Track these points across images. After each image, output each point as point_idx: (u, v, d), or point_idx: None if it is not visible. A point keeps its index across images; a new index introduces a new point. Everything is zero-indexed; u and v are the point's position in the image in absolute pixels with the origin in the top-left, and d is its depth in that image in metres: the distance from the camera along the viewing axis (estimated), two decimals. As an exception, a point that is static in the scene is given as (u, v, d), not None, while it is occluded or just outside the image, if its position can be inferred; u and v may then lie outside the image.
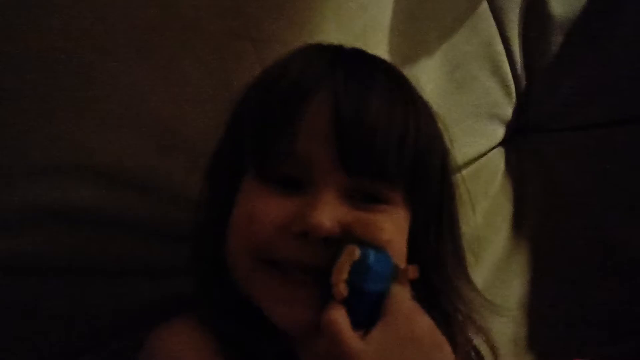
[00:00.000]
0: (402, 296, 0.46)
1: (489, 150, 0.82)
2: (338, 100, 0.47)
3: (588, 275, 0.83)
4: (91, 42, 0.56)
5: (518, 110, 0.83)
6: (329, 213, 0.46)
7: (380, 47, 0.69)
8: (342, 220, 0.47)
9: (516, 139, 0.85)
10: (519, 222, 0.83)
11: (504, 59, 0.80)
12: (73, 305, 0.58)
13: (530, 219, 0.83)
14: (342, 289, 0.45)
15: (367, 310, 0.46)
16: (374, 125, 0.47)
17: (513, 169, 0.84)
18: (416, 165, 0.50)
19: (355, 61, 0.52)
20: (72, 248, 0.57)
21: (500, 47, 0.79)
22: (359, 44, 0.65)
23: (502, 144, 0.84)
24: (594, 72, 0.83)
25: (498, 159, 0.83)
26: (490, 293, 0.78)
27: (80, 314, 0.58)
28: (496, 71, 0.79)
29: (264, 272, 0.48)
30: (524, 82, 0.82)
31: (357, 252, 0.46)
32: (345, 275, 0.46)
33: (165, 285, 0.58)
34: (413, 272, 0.47)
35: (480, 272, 0.79)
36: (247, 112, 0.51)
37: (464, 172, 0.79)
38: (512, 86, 0.81)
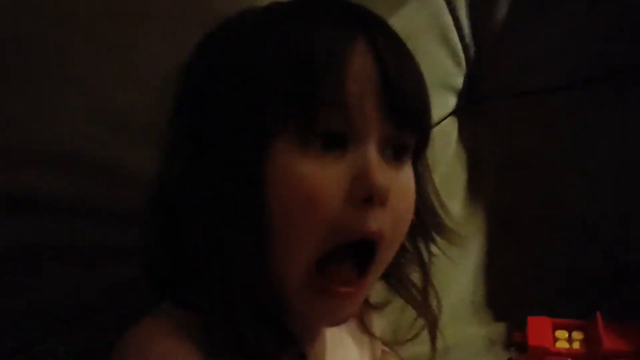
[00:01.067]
0: None
1: (442, 120, 0.84)
2: (378, 49, 0.44)
3: (541, 236, 0.86)
4: (42, 30, 0.56)
5: (469, 79, 0.85)
6: (385, 173, 0.44)
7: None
8: (389, 182, 0.44)
9: (468, 107, 0.87)
10: (474, 187, 0.85)
11: (453, 29, 0.81)
12: (29, 294, 0.58)
13: (485, 183, 0.86)
14: None
15: None
16: (416, 77, 0.47)
17: (466, 136, 0.86)
18: (430, 120, 0.50)
19: (372, 16, 0.48)
20: (28, 235, 0.57)
21: (448, 18, 0.81)
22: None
23: (454, 112, 0.86)
24: (540, 38, 0.85)
25: (451, 127, 0.86)
26: (447, 255, 0.82)
27: (36, 304, 0.58)
28: (445, 42, 0.81)
29: (316, 286, 0.44)
30: (473, 52, 0.84)
31: None
32: None
33: (126, 270, 0.59)
34: None
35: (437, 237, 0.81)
36: (273, 67, 0.43)
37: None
38: (462, 56, 0.83)
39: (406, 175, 0.47)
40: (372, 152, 0.44)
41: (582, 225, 0.87)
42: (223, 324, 0.43)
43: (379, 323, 0.61)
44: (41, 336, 0.59)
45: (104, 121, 0.58)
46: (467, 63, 0.84)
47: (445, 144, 0.85)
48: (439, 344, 0.78)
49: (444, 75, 0.82)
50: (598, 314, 0.73)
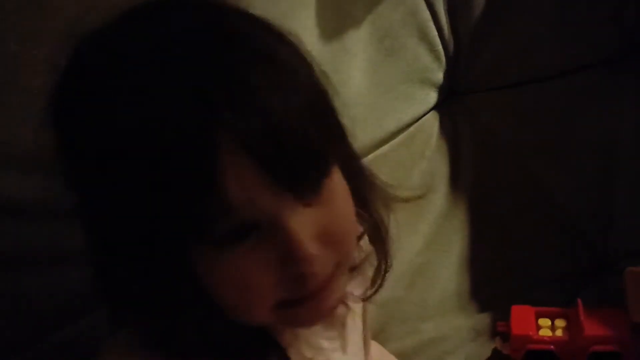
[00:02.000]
0: None
1: (423, 115, 0.85)
2: (247, 134, 0.40)
3: (523, 227, 0.87)
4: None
5: (448, 73, 0.85)
6: (308, 237, 0.43)
7: (308, 22, 0.71)
8: (316, 231, 0.43)
9: (449, 101, 0.87)
10: (456, 181, 0.86)
11: (431, 24, 0.81)
12: (9, 300, 0.58)
13: (467, 176, 0.86)
14: None
15: None
16: (292, 132, 0.41)
17: (447, 130, 0.87)
18: (333, 126, 0.47)
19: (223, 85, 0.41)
20: (6, 242, 0.57)
21: (426, 13, 0.81)
22: (287, 21, 0.67)
23: (435, 107, 0.86)
24: (518, 31, 0.86)
25: (432, 122, 0.86)
26: (432, 249, 0.83)
27: (16, 309, 0.58)
28: (424, 37, 0.81)
29: (290, 308, 0.45)
30: (452, 46, 0.84)
31: None
32: None
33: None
34: None
35: (422, 230, 0.82)
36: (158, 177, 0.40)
37: (400, 136, 0.83)
38: (441, 50, 0.83)
39: (334, 197, 0.45)
40: (288, 229, 0.42)
41: (563, 215, 0.88)
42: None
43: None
44: (25, 341, 0.60)
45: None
46: (446, 58, 0.84)
47: (427, 139, 0.85)
48: (425, 336, 0.80)
49: (423, 71, 0.83)
50: (579, 301, 0.75)
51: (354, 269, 0.55)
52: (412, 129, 0.83)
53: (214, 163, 0.39)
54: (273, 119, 0.40)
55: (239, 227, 0.42)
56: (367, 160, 0.78)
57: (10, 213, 0.57)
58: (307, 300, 0.45)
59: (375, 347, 0.73)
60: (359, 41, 0.75)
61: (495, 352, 0.79)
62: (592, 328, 0.72)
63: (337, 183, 0.46)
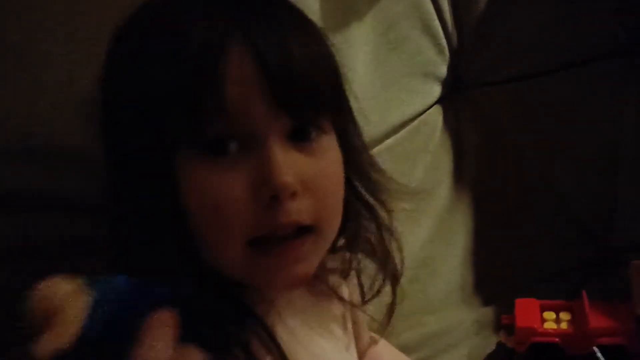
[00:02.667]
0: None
1: (427, 109, 0.85)
2: (256, 43, 0.43)
3: (527, 220, 0.87)
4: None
5: (452, 67, 0.85)
6: (288, 168, 0.43)
7: (311, 15, 0.70)
8: (298, 172, 0.45)
9: (452, 95, 0.87)
10: (460, 174, 0.86)
11: (434, 17, 0.81)
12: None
13: (471, 170, 0.86)
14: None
15: None
16: (303, 60, 0.45)
17: (451, 124, 0.86)
18: (338, 87, 0.50)
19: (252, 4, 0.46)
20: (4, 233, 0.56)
21: (429, 6, 0.81)
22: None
23: (439, 101, 0.86)
24: (522, 25, 0.86)
25: (436, 115, 0.86)
26: (435, 243, 0.83)
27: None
28: (427, 30, 0.81)
29: (260, 254, 0.45)
30: (455, 40, 0.84)
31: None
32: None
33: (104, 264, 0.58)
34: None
35: (426, 224, 0.82)
36: (156, 82, 0.44)
37: (404, 130, 0.82)
38: (445, 44, 0.83)
39: (324, 155, 0.47)
40: (271, 150, 0.43)
41: (566, 208, 0.88)
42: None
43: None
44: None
45: (73, 110, 0.57)
46: (450, 52, 0.84)
47: (431, 132, 0.85)
48: (429, 329, 0.80)
49: (427, 65, 0.83)
50: (584, 293, 0.75)
51: (345, 276, 0.56)
52: (415, 122, 0.83)
53: (219, 60, 0.42)
54: (290, 46, 0.44)
55: (228, 135, 0.43)
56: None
57: (20, 205, 0.57)
58: (277, 247, 0.45)
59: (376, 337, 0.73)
60: (362, 34, 0.75)
61: (499, 345, 0.79)
62: (597, 320, 0.72)
63: (331, 146, 0.48)
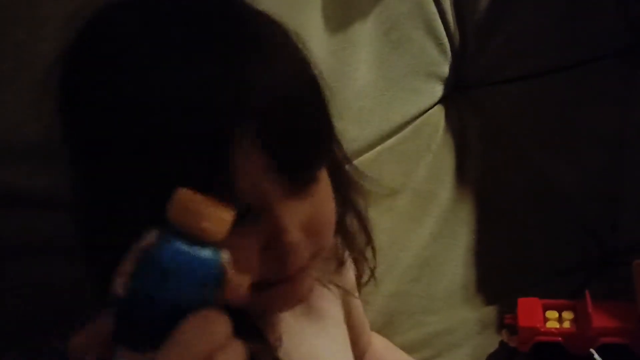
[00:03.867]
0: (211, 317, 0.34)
1: (430, 108, 0.85)
2: (267, 133, 0.42)
3: (530, 219, 0.87)
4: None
5: (454, 67, 0.85)
6: (294, 226, 0.45)
7: (314, 14, 0.71)
8: (301, 221, 0.46)
9: (455, 95, 0.87)
10: (463, 174, 0.86)
11: (437, 17, 0.81)
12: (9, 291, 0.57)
13: (473, 169, 0.86)
14: (120, 287, 0.33)
15: (155, 326, 0.33)
16: (306, 133, 0.44)
17: (454, 123, 0.86)
18: (332, 133, 0.50)
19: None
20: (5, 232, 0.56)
21: (432, 6, 0.81)
22: (293, 11, 0.67)
23: (441, 101, 0.86)
24: (524, 23, 0.85)
25: (438, 115, 0.86)
26: (438, 242, 0.83)
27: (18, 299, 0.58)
28: (430, 30, 0.81)
29: (263, 290, 0.46)
30: (458, 40, 0.84)
31: (153, 237, 0.34)
32: (128, 269, 0.33)
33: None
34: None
35: (428, 223, 0.82)
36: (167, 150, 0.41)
37: (406, 129, 0.83)
38: (447, 44, 0.83)
39: (319, 191, 0.48)
40: (278, 215, 0.44)
41: (570, 207, 0.88)
42: None
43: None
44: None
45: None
46: (452, 51, 0.84)
47: (433, 132, 0.85)
48: (432, 329, 0.80)
49: (430, 64, 0.83)
50: (587, 292, 0.75)
51: (341, 265, 0.59)
52: (418, 122, 0.83)
53: (226, 152, 0.41)
54: (294, 120, 0.43)
55: (240, 210, 0.42)
56: (373, 153, 0.78)
57: (21, 204, 0.57)
58: (283, 282, 0.47)
59: (380, 340, 0.73)
60: (365, 34, 0.75)
61: (502, 344, 0.79)
62: (600, 320, 0.72)
63: (324, 179, 0.49)
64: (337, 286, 0.60)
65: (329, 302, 0.60)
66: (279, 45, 0.46)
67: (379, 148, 0.79)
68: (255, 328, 0.50)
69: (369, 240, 0.61)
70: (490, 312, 0.82)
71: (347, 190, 0.58)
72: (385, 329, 0.77)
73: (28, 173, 0.57)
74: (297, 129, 0.44)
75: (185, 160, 0.40)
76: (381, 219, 0.77)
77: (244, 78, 0.41)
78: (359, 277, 0.64)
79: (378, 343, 0.72)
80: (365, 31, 0.75)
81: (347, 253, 0.61)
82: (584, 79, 0.88)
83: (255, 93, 0.41)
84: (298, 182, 0.46)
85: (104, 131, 0.43)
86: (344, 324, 0.62)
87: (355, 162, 0.75)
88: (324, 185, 0.49)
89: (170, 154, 0.40)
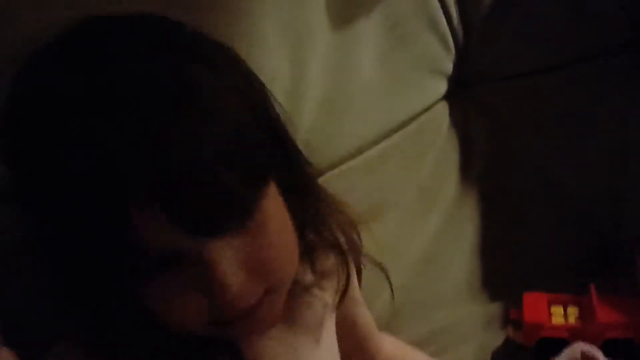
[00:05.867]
0: None
1: (434, 104, 0.85)
2: (170, 205, 0.41)
3: (534, 215, 0.87)
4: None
5: (458, 63, 0.86)
6: (232, 275, 0.42)
7: (318, 10, 0.71)
8: (242, 262, 0.43)
9: (459, 91, 0.87)
10: (467, 170, 0.86)
11: (441, 14, 0.81)
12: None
13: (478, 165, 0.86)
14: None
15: None
16: (199, 185, 0.41)
17: (458, 119, 0.87)
18: (265, 159, 0.47)
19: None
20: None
21: (436, 3, 0.81)
22: (296, 10, 0.67)
23: (445, 97, 0.86)
24: (529, 19, 0.85)
25: (443, 111, 0.86)
26: (443, 238, 0.83)
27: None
28: (434, 27, 0.81)
29: (222, 326, 0.46)
30: (461, 36, 0.84)
31: None
32: None
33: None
34: None
35: (433, 219, 0.82)
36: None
37: (411, 126, 0.83)
38: (451, 40, 0.83)
39: (265, 224, 0.45)
40: (213, 267, 0.42)
41: (573, 203, 0.88)
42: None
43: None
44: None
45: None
46: (456, 47, 0.84)
47: (437, 128, 0.85)
48: (437, 324, 0.80)
49: (433, 61, 0.83)
50: (592, 287, 0.75)
51: (324, 277, 0.57)
52: (422, 118, 0.83)
53: (124, 211, 0.40)
54: (178, 172, 0.40)
55: (158, 260, 0.42)
56: (378, 149, 0.79)
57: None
58: (238, 320, 0.45)
59: (390, 342, 0.73)
60: (369, 30, 0.75)
61: (507, 340, 0.79)
62: (605, 315, 0.72)
63: (270, 210, 0.45)
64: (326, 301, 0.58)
65: (312, 306, 0.57)
66: (202, 108, 0.42)
67: (383, 144, 0.79)
68: (233, 347, 0.50)
69: (347, 265, 0.58)
70: (495, 307, 0.82)
71: (317, 208, 0.55)
72: (390, 323, 0.77)
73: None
74: (199, 198, 0.41)
75: (90, 217, 0.40)
76: (386, 215, 0.78)
77: (150, 145, 0.40)
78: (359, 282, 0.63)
79: (388, 345, 0.72)
80: (369, 27, 0.75)
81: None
82: (588, 75, 0.88)
83: (155, 162, 0.40)
84: (213, 233, 0.43)
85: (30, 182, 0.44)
86: (333, 333, 0.60)
87: (359, 158, 0.77)
88: (272, 217, 0.46)
89: (78, 211, 0.41)
